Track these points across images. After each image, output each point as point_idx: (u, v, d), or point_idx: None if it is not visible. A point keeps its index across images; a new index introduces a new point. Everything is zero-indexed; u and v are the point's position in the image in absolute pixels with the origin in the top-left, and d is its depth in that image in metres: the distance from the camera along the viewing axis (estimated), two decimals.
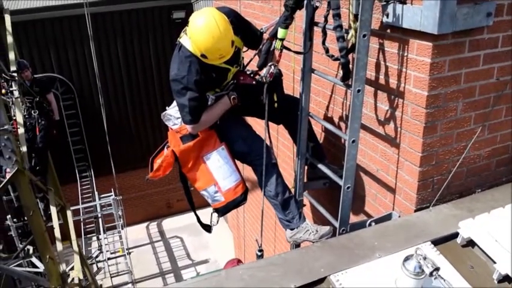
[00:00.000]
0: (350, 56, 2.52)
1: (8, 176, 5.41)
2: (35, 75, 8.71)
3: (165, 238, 13.77)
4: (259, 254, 3.10)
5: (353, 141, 2.59)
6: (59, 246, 6.84)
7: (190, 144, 2.93)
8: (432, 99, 2.43)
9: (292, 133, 3.27)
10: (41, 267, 6.67)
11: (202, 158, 2.96)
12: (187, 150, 2.94)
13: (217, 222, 3.18)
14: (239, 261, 4.27)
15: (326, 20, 2.58)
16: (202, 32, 2.53)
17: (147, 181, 3.12)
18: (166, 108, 3.04)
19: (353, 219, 3.10)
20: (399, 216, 2.81)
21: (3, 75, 6.20)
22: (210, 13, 2.56)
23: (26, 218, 7.34)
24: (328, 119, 3.46)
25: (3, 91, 6.31)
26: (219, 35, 2.53)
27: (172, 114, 2.96)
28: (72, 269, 7.39)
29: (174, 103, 2.92)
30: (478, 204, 2.68)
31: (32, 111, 7.84)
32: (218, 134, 2.98)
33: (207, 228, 3.27)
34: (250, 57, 3.19)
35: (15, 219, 8.79)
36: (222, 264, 9.92)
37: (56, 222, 7.03)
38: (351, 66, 2.53)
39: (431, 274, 1.88)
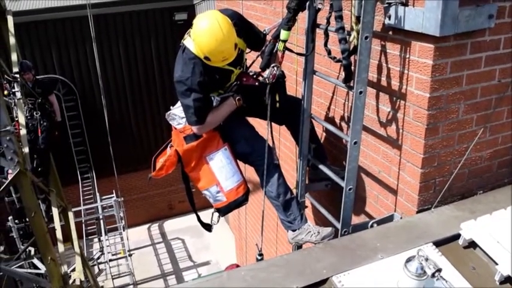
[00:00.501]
0: (352, 58, 2.53)
1: (10, 177, 5.41)
2: (37, 77, 8.73)
3: (166, 240, 13.75)
4: (259, 258, 3.09)
5: (355, 143, 2.60)
6: (61, 247, 6.86)
7: (194, 144, 2.94)
8: (434, 100, 2.43)
9: (295, 134, 3.27)
10: (42, 268, 6.64)
11: (205, 158, 2.98)
12: (190, 150, 2.96)
13: (218, 221, 3.19)
14: (238, 267, 4.26)
15: (328, 22, 2.59)
16: (206, 35, 2.55)
17: (150, 180, 3.14)
18: (171, 108, 3.05)
19: (355, 220, 3.10)
20: (401, 218, 2.82)
21: (5, 76, 6.21)
22: (214, 16, 2.58)
23: (27, 220, 7.33)
24: (330, 120, 3.47)
25: (6, 92, 6.32)
26: (222, 37, 2.54)
27: (177, 114, 2.98)
28: (73, 270, 7.42)
29: (179, 103, 2.93)
30: (480, 206, 2.68)
31: (34, 113, 7.83)
32: (221, 135, 2.99)
33: (208, 227, 3.28)
34: (253, 59, 3.20)
35: (16, 221, 8.76)
36: (223, 266, 9.94)
37: (57, 224, 7.07)
38: (353, 68, 2.54)
39: (433, 275, 1.89)
